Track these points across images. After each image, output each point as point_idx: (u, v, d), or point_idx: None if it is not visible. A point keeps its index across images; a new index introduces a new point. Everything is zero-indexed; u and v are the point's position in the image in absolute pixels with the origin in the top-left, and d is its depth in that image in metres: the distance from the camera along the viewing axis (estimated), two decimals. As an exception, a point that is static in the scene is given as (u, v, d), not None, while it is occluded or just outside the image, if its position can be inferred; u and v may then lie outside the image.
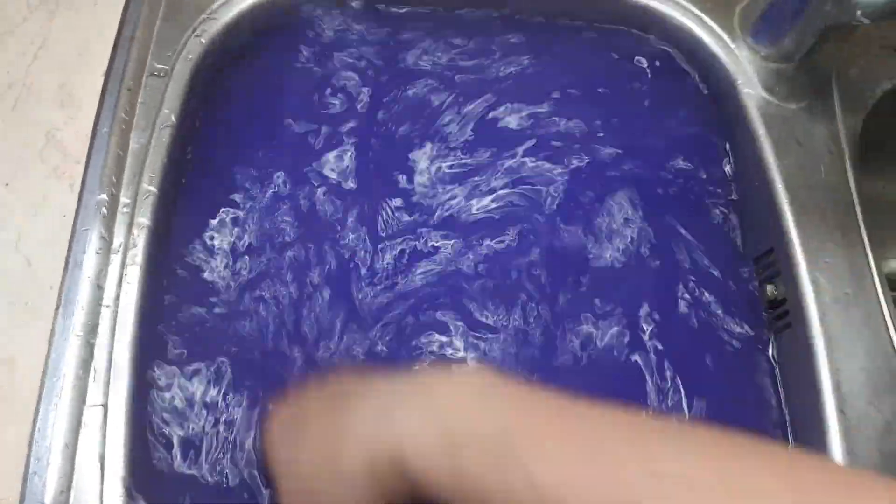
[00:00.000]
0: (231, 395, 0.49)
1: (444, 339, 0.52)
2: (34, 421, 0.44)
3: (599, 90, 0.63)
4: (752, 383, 0.54)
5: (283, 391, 0.47)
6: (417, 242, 0.55)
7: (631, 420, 0.34)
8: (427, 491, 0.34)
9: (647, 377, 0.52)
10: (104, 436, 0.44)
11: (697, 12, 0.63)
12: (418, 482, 0.35)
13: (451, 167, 0.58)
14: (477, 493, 0.33)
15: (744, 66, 0.61)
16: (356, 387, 0.41)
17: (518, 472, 0.31)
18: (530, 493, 0.31)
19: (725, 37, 0.63)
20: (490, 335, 0.52)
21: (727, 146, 0.62)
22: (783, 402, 0.54)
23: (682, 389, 0.52)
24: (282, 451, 0.43)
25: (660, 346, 0.53)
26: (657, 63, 0.65)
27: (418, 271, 0.54)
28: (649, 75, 0.64)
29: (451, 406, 0.35)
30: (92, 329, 0.47)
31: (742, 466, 0.30)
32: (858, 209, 0.56)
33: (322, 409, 0.41)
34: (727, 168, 0.61)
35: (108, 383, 0.46)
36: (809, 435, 0.51)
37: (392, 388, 0.39)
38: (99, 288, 0.48)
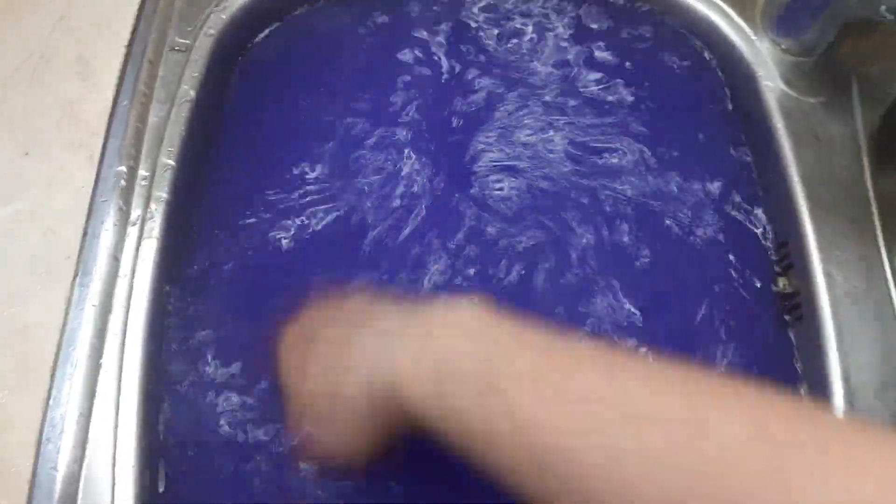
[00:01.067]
0: (247, 362, 0.49)
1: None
2: (49, 389, 0.45)
3: (618, 78, 0.63)
4: (762, 374, 0.55)
5: (294, 310, 0.48)
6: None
7: (612, 359, 0.34)
8: (419, 421, 0.36)
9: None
10: (118, 404, 0.45)
11: (720, 3, 0.63)
12: (411, 412, 0.36)
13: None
14: (461, 423, 0.34)
15: (764, 58, 0.61)
16: (362, 313, 0.43)
17: (499, 403, 0.33)
18: (509, 424, 0.32)
19: (747, 29, 0.62)
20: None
21: (745, 138, 0.62)
22: (792, 393, 0.54)
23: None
24: (291, 371, 0.45)
25: (672, 335, 0.54)
26: (678, 52, 0.64)
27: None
28: (669, 64, 0.64)
29: (443, 341, 0.36)
30: (108, 299, 0.47)
31: (713, 405, 0.30)
32: (874, 205, 0.56)
33: (329, 332, 0.43)
34: (744, 159, 0.61)
35: (122, 353, 0.46)
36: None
37: (394, 318, 0.40)
38: (115, 259, 0.49)
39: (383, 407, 0.38)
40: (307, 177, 0.55)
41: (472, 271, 0.53)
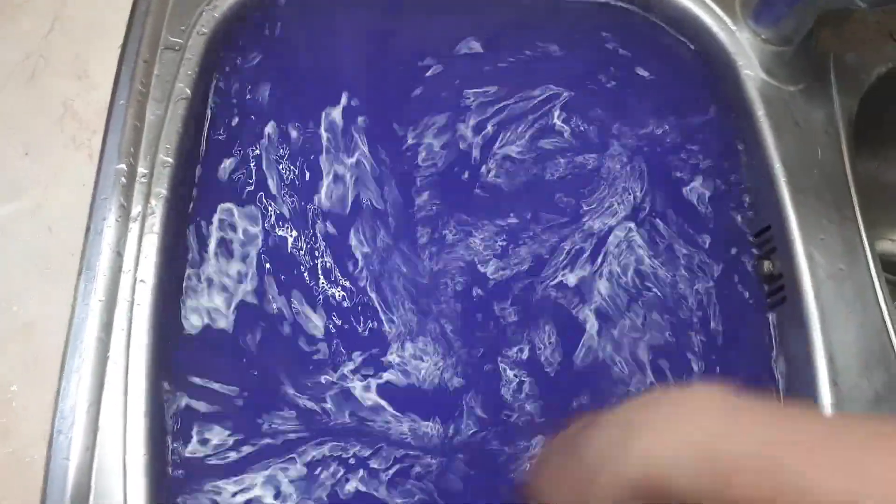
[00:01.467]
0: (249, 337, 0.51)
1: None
2: (58, 382, 0.46)
3: (599, 69, 0.64)
4: (747, 356, 0.56)
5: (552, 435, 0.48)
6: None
7: (869, 426, 0.34)
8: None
9: (645, 347, 0.54)
10: (126, 395, 0.46)
11: (700, -6, 0.65)
12: (678, 497, 0.34)
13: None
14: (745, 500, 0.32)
15: (744, 48, 0.63)
16: (594, 421, 0.41)
17: (792, 484, 0.31)
18: (802, 498, 0.31)
19: (727, 19, 0.64)
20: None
21: (726, 126, 0.63)
22: (777, 373, 0.56)
23: (678, 359, 0.54)
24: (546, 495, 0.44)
25: (655, 318, 0.55)
26: (658, 43, 0.66)
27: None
28: (650, 55, 0.65)
29: (703, 425, 0.34)
30: (113, 294, 0.48)
31: None
32: (853, 189, 0.58)
33: (577, 447, 0.41)
34: (726, 147, 0.63)
35: (128, 345, 0.47)
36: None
37: (627, 412, 0.39)
38: (118, 255, 0.50)
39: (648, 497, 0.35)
40: (304, 176, 0.57)
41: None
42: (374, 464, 0.49)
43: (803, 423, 0.34)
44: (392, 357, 0.52)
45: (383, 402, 0.51)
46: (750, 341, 0.56)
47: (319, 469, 0.48)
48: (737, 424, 0.34)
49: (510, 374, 0.53)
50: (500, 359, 0.53)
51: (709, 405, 0.35)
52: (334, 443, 0.49)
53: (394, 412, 0.50)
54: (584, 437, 0.41)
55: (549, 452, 0.46)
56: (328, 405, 0.50)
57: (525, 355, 0.53)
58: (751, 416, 0.34)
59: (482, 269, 0.55)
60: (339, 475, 0.48)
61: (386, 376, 0.51)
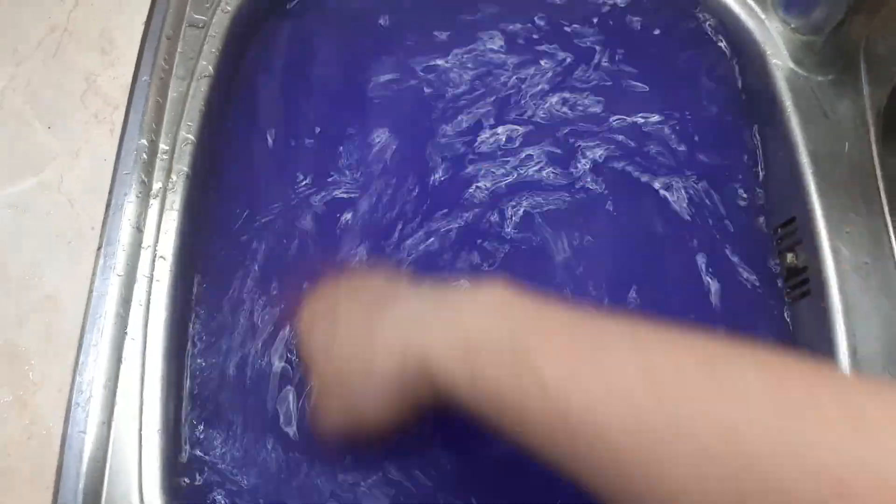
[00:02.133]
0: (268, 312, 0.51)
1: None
2: (77, 355, 0.46)
3: (628, 57, 0.63)
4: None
5: (313, 284, 0.50)
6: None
7: (635, 328, 0.36)
8: (449, 395, 0.38)
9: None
10: (143, 370, 0.46)
11: (730, -19, 0.64)
12: (441, 386, 0.38)
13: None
14: (491, 394, 0.36)
15: (773, 37, 0.62)
16: (386, 292, 0.45)
17: (528, 373, 0.34)
18: (539, 391, 0.34)
19: (756, 8, 0.63)
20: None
21: (754, 115, 0.62)
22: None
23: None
24: (314, 347, 0.46)
25: (675, 307, 0.55)
26: (687, 31, 0.65)
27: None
28: (679, 43, 0.65)
29: (471, 318, 0.38)
30: (132, 269, 0.48)
31: (732, 369, 0.31)
32: (881, 181, 0.57)
33: (355, 309, 0.45)
34: (753, 136, 0.62)
35: (146, 321, 0.47)
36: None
37: (423, 298, 0.42)
38: (139, 231, 0.50)
39: (414, 382, 0.40)
40: (328, 155, 0.57)
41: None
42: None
43: (556, 320, 0.37)
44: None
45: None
46: (771, 332, 0.56)
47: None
48: (501, 317, 0.37)
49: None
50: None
51: (485, 299, 0.39)
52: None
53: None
54: (371, 301, 0.44)
55: (322, 308, 0.48)
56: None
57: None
58: (516, 310, 0.38)
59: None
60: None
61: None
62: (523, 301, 0.38)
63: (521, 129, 0.59)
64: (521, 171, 0.58)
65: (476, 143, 0.58)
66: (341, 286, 0.48)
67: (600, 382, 0.33)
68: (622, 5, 0.65)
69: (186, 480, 0.46)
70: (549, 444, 0.34)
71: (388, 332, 0.41)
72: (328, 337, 0.45)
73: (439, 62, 0.61)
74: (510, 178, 0.57)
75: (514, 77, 0.61)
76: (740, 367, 0.32)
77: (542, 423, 0.34)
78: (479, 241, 0.55)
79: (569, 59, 0.62)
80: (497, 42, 0.62)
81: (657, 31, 0.65)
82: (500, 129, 0.59)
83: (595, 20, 0.64)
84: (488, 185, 0.57)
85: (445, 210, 0.55)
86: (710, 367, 0.32)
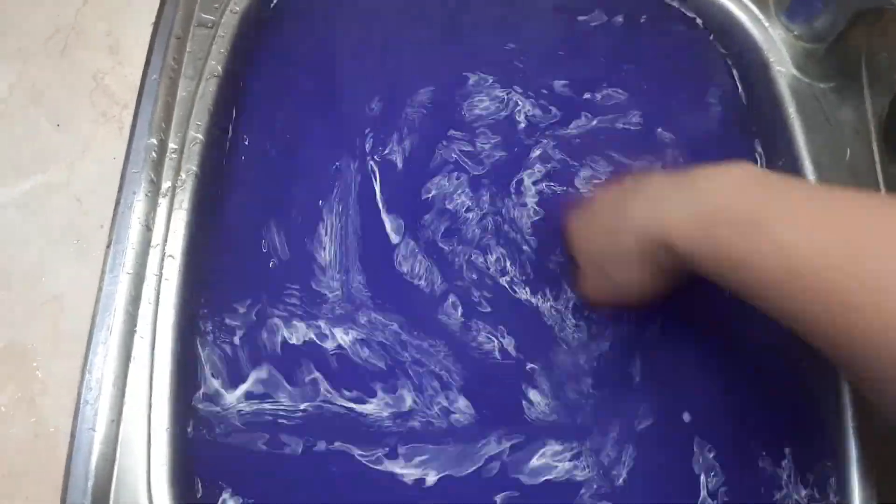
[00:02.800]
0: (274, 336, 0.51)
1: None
2: (86, 354, 0.46)
3: (629, 61, 0.64)
4: (766, 353, 0.56)
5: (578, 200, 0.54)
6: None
7: (864, 201, 0.40)
8: (690, 264, 0.42)
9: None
10: (152, 368, 0.46)
11: (734, -11, 0.64)
12: (682, 257, 0.42)
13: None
14: (731, 260, 0.40)
15: (776, 44, 0.63)
16: (633, 185, 0.48)
17: (765, 237, 0.38)
18: (776, 252, 0.38)
19: (760, 14, 0.64)
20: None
21: (756, 121, 0.63)
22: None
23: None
24: (579, 239, 0.51)
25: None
26: (689, 37, 0.66)
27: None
28: (681, 49, 0.65)
29: (709, 194, 0.42)
30: (141, 268, 0.48)
31: None
32: (882, 188, 0.58)
33: (608, 207, 0.49)
34: (755, 143, 0.62)
35: (155, 319, 0.47)
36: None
37: (661, 183, 0.46)
38: (148, 229, 0.50)
39: (655, 256, 0.44)
40: (335, 158, 0.57)
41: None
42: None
43: (791, 192, 0.41)
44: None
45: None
46: (769, 341, 0.56)
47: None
48: (738, 191, 0.41)
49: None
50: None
51: (723, 176, 0.42)
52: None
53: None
54: (619, 199, 0.48)
55: (585, 212, 0.52)
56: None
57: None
58: (753, 185, 0.41)
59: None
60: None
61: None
62: (761, 176, 0.42)
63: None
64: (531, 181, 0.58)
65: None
66: (598, 195, 0.52)
67: (828, 240, 0.37)
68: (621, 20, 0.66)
69: (196, 478, 0.46)
70: (778, 297, 0.39)
71: (635, 212, 0.45)
72: (588, 234, 0.50)
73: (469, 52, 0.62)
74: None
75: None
76: None
77: (772, 279, 0.38)
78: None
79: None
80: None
81: (660, 40, 0.65)
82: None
83: (597, 31, 0.65)
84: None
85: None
86: None
